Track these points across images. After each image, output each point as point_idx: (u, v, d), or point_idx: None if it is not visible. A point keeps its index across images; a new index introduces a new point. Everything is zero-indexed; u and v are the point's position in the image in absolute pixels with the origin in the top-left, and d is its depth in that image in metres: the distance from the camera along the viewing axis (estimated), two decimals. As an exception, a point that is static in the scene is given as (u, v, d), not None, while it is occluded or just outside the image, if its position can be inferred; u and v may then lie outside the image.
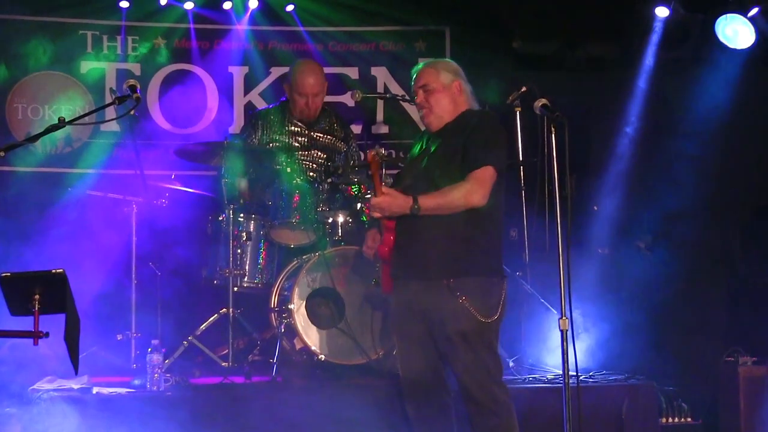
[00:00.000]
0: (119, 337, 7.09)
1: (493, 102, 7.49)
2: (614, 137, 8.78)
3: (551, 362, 7.13)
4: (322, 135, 7.75)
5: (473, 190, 5.32)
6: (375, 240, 5.70)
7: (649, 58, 8.65)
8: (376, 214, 5.41)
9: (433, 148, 5.52)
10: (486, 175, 5.34)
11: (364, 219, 7.03)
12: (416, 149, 5.75)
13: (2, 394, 6.23)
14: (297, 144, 7.65)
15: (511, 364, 7.04)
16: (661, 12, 8.39)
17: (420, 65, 5.68)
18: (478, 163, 5.33)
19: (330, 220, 7.06)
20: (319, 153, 7.68)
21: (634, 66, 8.70)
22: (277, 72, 8.92)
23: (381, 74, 9.08)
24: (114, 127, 8.45)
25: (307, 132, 7.70)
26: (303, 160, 7.63)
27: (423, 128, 5.83)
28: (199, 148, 7.33)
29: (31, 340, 4.44)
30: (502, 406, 5.39)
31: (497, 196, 5.42)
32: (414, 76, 5.66)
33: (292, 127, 7.68)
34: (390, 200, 5.33)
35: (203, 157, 7.35)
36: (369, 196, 7.10)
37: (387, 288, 5.57)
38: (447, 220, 5.34)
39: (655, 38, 8.56)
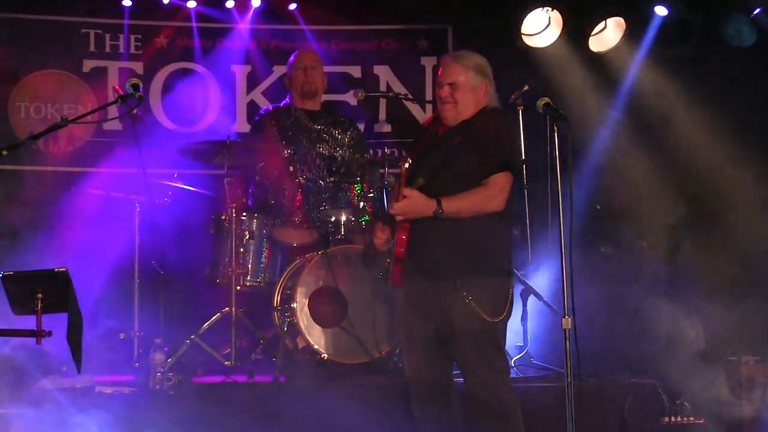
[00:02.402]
0: (122, 336, 7.10)
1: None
2: (617, 135, 8.76)
3: (554, 361, 7.12)
4: (326, 127, 7.75)
5: (493, 195, 5.32)
6: (383, 231, 5.64)
7: (650, 57, 8.64)
8: (399, 217, 5.34)
9: (450, 144, 5.45)
10: (505, 180, 5.35)
11: (366, 218, 7.03)
12: (425, 139, 5.67)
13: (4, 393, 6.23)
14: (303, 140, 7.65)
15: (512, 363, 7.03)
16: (661, 11, 8.39)
17: (450, 57, 5.59)
18: (499, 168, 5.33)
19: (333, 218, 7.06)
20: (326, 146, 7.67)
21: (635, 65, 8.69)
22: (279, 71, 8.91)
23: (383, 73, 9.08)
24: (116, 125, 8.45)
25: (312, 126, 7.70)
26: (310, 155, 7.63)
27: (425, 120, 5.78)
28: (202, 146, 7.33)
29: (33, 339, 4.45)
30: (508, 406, 5.39)
31: (509, 197, 5.42)
32: (442, 68, 5.57)
33: (299, 123, 7.68)
34: (413, 204, 5.26)
35: (206, 155, 7.35)
36: (371, 195, 7.10)
37: (396, 283, 5.54)
38: (457, 221, 5.33)
39: (656, 37, 8.56)
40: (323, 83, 7.87)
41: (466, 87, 5.45)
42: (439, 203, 5.26)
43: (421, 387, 5.56)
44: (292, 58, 7.88)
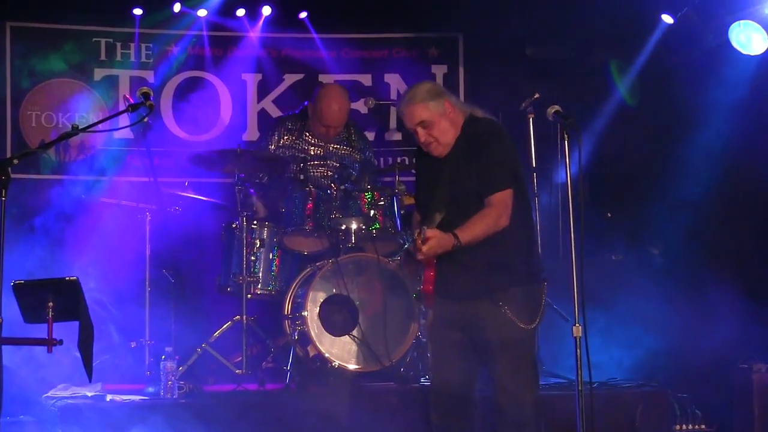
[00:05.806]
0: (133, 344, 7.10)
1: (506, 109, 7.50)
2: (627, 143, 8.76)
3: (565, 369, 7.10)
4: (338, 146, 7.77)
5: (500, 214, 5.29)
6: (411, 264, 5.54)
7: (659, 64, 8.64)
8: (420, 257, 5.26)
9: (451, 173, 5.43)
10: (507, 197, 5.32)
11: (377, 227, 7.02)
12: (427, 172, 5.62)
13: (17, 402, 6.24)
14: (313, 154, 7.67)
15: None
16: (667, 19, 8.41)
17: (402, 106, 5.49)
18: (499, 187, 5.30)
19: (343, 227, 7.06)
20: (335, 163, 7.69)
21: (645, 72, 8.69)
22: (290, 79, 8.94)
23: (394, 81, 9.07)
24: (127, 134, 8.48)
25: (323, 144, 7.72)
26: (318, 168, 7.65)
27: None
28: (213, 155, 7.34)
29: (45, 348, 4.46)
30: (529, 419, 5.36)
31: (519, 203, 5.40)
32: (403, 118, 5.53)
33: (310, 138, 7.70)
34: (438, 243, 5.20)
35: (217, 164, 7.36)
36: (382, 203, 7.09)
37: (429, 304, 5.53)
38: (481, 241, 5.32)
39: (665, 44, 8.55)
40: (346, 120, 7.81)
41: (434, 118, 5.41)
42: (455, 236, 5.25)
43: (443, 395, 5.53)
44: (320, 99, 7.63)
